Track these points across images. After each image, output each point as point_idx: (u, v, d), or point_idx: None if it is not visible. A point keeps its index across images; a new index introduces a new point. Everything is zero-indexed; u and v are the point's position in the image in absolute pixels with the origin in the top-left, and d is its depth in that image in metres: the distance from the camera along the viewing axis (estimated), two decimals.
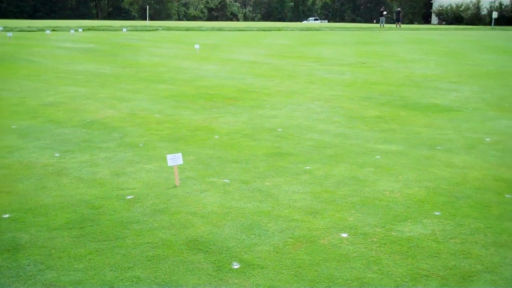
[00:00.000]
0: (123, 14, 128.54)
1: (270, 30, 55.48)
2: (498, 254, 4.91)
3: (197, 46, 26.31)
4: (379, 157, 8.05)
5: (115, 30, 46.43)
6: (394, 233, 5.32)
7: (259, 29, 56.65)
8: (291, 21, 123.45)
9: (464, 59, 25.61)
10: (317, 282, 4.34)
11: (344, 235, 5.26)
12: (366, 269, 4.58)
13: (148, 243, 5.03)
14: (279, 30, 56.54)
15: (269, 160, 7.79)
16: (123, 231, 5.29)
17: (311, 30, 58.56)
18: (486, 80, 17.73)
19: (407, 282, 4.38)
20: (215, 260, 4.69)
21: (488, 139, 9.31)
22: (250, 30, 54.85)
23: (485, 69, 21.00)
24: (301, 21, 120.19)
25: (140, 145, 8.57)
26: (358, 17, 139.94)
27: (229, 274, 4.45)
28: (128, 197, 6.22)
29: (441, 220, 5.66)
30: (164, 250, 4.89)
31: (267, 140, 8.94)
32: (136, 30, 48.17)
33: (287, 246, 4.99)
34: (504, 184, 6.88)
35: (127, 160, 7.72)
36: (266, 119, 10.66)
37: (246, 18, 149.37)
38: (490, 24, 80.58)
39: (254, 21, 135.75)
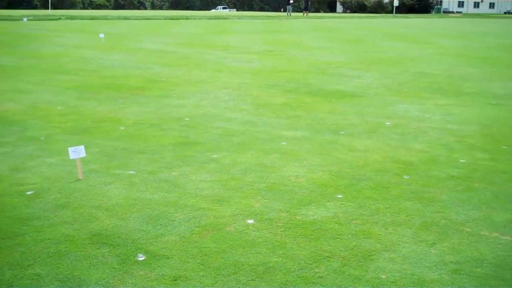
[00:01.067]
0: (24, 3, 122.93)
1: (178, 19, 54.93)
2: (396, 233, 5.14)
3: (102, 35, 25.64)
4: (285, 143, 8.19)
5: (15, 20, 44.35)
6: (299, 217, 5.44)
7: (166, 18, 55.96)
8: (200, 10, 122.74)
9: (367, 46, 26.47)
10: (223, 269, 4.37)
11: (250, 221, 5.32)
12: (271, 253, 4.66)
13: (49, 239, 4.87)
14: (187, 18, 56.10)
15: (176, 149, 7.74)
16: (23, 228, 5.10)
17: (219, 18, 58.50)
18: (387, 66, 18.42)
19: (310, 264, 4.50)
20: (119, 253, 4.61)
21: (388, 123, 9.70)
22: (158, 19, 54.07)
23: (386, 56, 21.80)
24: (210, 10, 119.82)
25: (42, 138, 8.26)
26: (266, 6, 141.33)
27: (134, 267, 4.40)
28: (28, 192, 5.99)
29: (343, 203, 5.85)
30: (67, 245, 4.75)
31: (174, 130, 8.87)
32: (38, 20, 46.27)
33: (194, 235, 4.99)
34: (403, 166, 7.20)
35: (28, 154, 7.43)
36: (173, 109, 10.57)
37: (153, 7, 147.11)
38: (392, 12, 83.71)
39: (162, 9, 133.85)
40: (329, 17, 66.70)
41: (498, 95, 13.29)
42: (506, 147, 8.29)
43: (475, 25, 53.26)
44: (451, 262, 4.58)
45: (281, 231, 5.10)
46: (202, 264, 4.45)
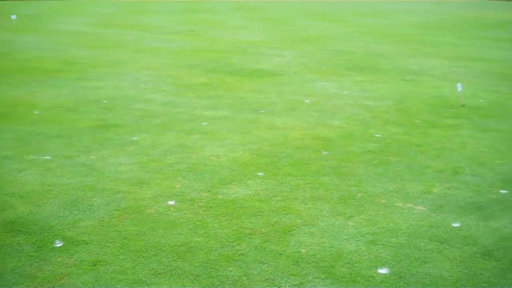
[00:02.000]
0: None
1: None
2: (316, 208, 5.26)
3: (14, 16, 24.52)
4: (206, 123, 8.17)
5: None
6: (220, 196, 5.46)
7: None
8: None
9: (287, 25, 26.67)
10: (144, 252, 4.34)
11: (171, 202, 5.29)
12: (192, 233, 4.66)
13: None
14: None
15: (94, 133, 7.56)
16: None
17: None
18: (306, 44, 18.65)
19: (232, 242, 4.53)
20: (35, 241, 4.48)
21: (307, 101, 9.85)
22: None
23: (306, 34, 22.06)
24: None
25: None
26: None
27: (51, 253, 4.28)
28: None
29: (264, 180, 5.92)
30: None
31: (92, 113, 8.65)
32: None
33: (113, 219, 4.91)
34: (321, 142, 7.35)
35: None
36: (91, 91, 10.29)
37: None
38: None
39: None
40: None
41: (412, 71, 13.76)
42: (418, 121, 8.62)
43: (392, 3, 54.73)
44: (367, 233, 4.74)
45: (203, 211, 5.11)
46: (122, 248, 4.40)
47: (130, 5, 42.06)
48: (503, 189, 5.83)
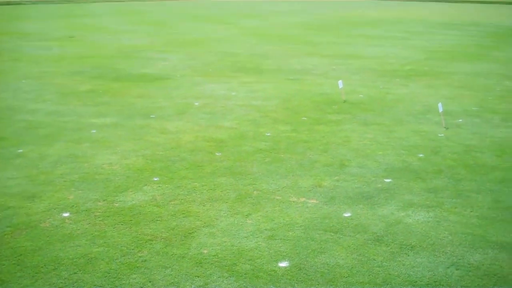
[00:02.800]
0: None
1: None
2: (214, 208, 5.34)
3: None
4: (95, 131, 8.00)
5: None
6: (117, 204, 5.39)
7: None
8: None
9: (171, 28, 26.57)
10: (42, 267, 4.21)
11: (66, 214, 5.16)
12: (91, 244, 4.58)
13: None
14: None
15: None
16: None
17: (12, 4, 54.51)
18: (191, 47, 18.70)
19: (133, 249, 4.51)
20: None
21: (197, 103, 9.92)
22: None
23: (190, 37, 22.11)
24: None
25: None
26: None
27: None
28: None
29: (160, 185, 5.92)
30: None
31: None
32: None
33: (6, 236, 4.71)
34: (214, 144, 7.45)
35: None
36: None
37: None
38: None
39: None
40: (130, 0, 65.56)
41: (295, 70, 14.23)
42: (305, 118, 8.96)
43: (272, 4, 56.02)
44: (266, 229, 4.89)
45: (100, 221, 5.03)
46: (18, 265, 4.24)
47: (3, 11, 40.01)
48: (387, 178, 6.22)
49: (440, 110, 8.55)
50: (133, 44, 19.57)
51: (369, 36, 24.55)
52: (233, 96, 10.65)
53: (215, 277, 4.09)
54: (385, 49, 19.58)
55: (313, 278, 4.09)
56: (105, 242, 4.62)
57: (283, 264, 4.30)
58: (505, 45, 21.76)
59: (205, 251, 4.48)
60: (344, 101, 10.34)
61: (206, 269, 4.21)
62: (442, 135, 8.09)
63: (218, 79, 12.54)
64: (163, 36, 22.69)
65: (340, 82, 10.53)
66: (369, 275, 4.14)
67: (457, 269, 4.23)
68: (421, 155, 7.10)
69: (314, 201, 5.55)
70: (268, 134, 7.95)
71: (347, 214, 5.23)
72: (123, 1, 61.87)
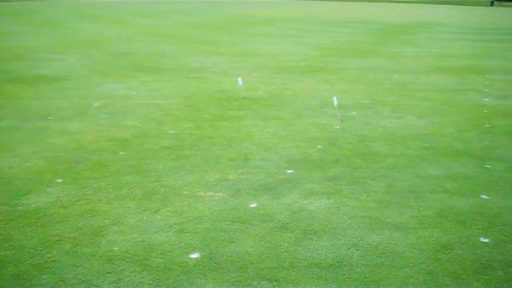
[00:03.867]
0: None
1: None
2: (122, 206, 5.35)
3: None
4: None
5: None
6: (20, 207, 5.27)
7: None
8: None
9: (63, 28, 25.77)
10: None
11: None
12: None
13: None
14: None
15: None
16: None
17: None
18: (86, 48, 18.28)
19: (41, 250, 4.45)
20: None
21: (96, 104, 9.78)
22: None
23: (84, 37, 21.58)
24: None
25: None
26: None
27: None
28: None
29: (64, 186, 5.83)
30: None
31: None
32: None
33: None
34: (117, 143, 7.41)
35: None
36: None
37: None
38: None
39: None
40: (18, 0, 62.76)
41: (194, 69, 14.32)
42: (207, 115, 9.10)
43: (168, 4, 55.60)
44: (175, 223, 4.98)
45: (4, 224, 4.91)
46: None
47: None
48: (289, 169, 6.48)
49: (335, 103, 8.97)
50: (25, 45, 18.83)
51: (265, 34, 25.07)
52: (134, 96, 10.58)
53: (127, 272, 4.14)
54: (281, 47, 20.10)
55: (224, 267, 4.24)
56: (11, 245, 4.52)
57: (194, 255, 4.41)
58: (392, 41, 22.98)
59: (116, 248, 4.51)
60: (244, 98, 10.58)
61: (117, 265, 4.24)
62: (338, 127, 8.51)
63: (116, 79, 12.39)
64: (55, 36, 21.99)
65: (239, 79, 10.75)
66: (277, 260, 4.34)
67: (357, 250, 4.53)
68: (319, 146, 7.45)
69: (221, 194, 5.70)
70: (172, 132, 8.01)
71: (253, 205, 5.43)
72: (11, 1, 59.06)
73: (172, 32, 24.47)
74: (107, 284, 3.99)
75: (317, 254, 4.45)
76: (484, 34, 27.25)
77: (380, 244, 4.63)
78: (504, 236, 4.80)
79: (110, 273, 4.13)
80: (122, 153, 7.01)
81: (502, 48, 20.32)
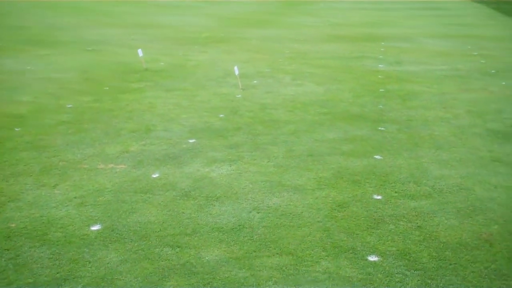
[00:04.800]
0: None
1: None
2: (18, 183, 5.19)
3: None
4: None
5: None
6: None
7: None
8: None
9: None
10: None
11: None
12: None
13: None
14: None
15: None
16: None
17: None
18: None
19: None
20: None
21: None
22: None
23: None
24: None
25: None
26: None
27: None
28: None
29: None
30: None
31: None
32: None
33: None
34: (13, 119, 7.13)
35: None
36: None
37: None
38: None
39: None
40: None
41: (94, 41, 13.92)
42: (107, 88, 8.91)
43: None
44: (75, 197, 4.90)
45: None
46: None
47: None
48: (191, 139, 6.51)
49: (236, 73, 9.05)
50: None
51: (166, 6, 24.69)
52: (29, 70, 10.17)
53: (26, 248, 4.05)
54: (182, 18, 19.90)
55: (126, 237, 4.23)
56: None
57: (95, 227, 4.38)
58: (292, 12, 23.32)
59: (13, 225, 4.39)
60: (146, 69, 10.44)
61: (15, 241, 4.14)
62: (240, 96, 8.60)
63: (11, 54, 11.84)
64: None
65: (139, 50, 10.58)
66: (179, 227, 4.39)
67: (258, 212, 4.66)
68: (221, 115, 7.51)
69: (123, 166, 5.65)
70: (70, 106, 7.80)
71: (155, 175, 5.43)
72: None
73: (70, 5, 23.56)
74: (5, 261, 3.89)
75: (219, 219, 4.54)
76: (381, 3, 28.21)
77: (280, 206, 4.79)
78: (395, 192, 5.09)
79: (8, 249, 4.03)
80: (17, 129, 6.75)
81: (397, 17, 21.13)
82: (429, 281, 3.68)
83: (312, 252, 4.05)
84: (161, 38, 14.71)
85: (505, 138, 6.63)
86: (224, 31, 16.65)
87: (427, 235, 4.29)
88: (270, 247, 4.12)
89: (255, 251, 4.06)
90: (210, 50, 12.99)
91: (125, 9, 22.53)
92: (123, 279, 3.69)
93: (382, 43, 14.46)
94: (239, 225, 4.44)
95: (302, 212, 4.68)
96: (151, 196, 4.97)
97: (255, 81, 9.65)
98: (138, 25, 17.51)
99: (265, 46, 13.81)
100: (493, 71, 10.69)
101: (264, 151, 6.14)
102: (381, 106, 8.07)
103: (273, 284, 3.65)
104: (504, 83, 9.64)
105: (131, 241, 4.17)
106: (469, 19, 20.37)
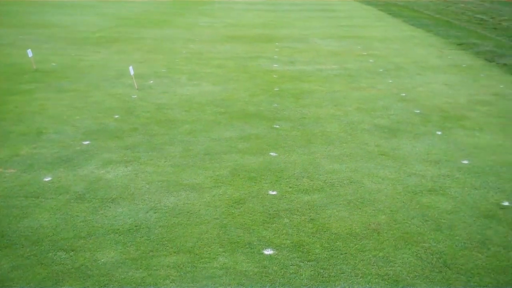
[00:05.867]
0: None
1: None
2: None
3: None
4: None
5: None
6: None
7: None
8: None
9: None
10: None
11: None
12: None
13: None
14: None
15: None
16: None
17: None
18: None
19: None
20: None
21: None
22: None
23: None
24: None
25: None
26: None
27: None
28: None
29: None
30: None
31: None
32: None
33: None
34: None
35: None
36: None
37: None
38: None
39: None
40: None
41: None
42: None
43: None
44: None
45: None
46: None
47: None
48: (85, 141, 6.37)
49: (132, 73, 8.94)
50: None
51: (60, 5, 23.86)
52: None
53: None
54: (76, 18, 19.32)
55: (17, 242, 4.09)
56: None
57: None
58: (188, 12, 23.27)
59: None
60: (36, 70, 10.06)
61: None
62: (135, 96, 8.50)
63: None
64: None
65: (29, 51, 10.18)
66: (73, 231, 4.30)
67: (155, 212, 4.65)
68: (117, 116, 7.40)
69: (12, 171, 5.44)
70: None
71: (47, 179, 5.27)
72: None
73: None
74: None
75: (115, 221, 4.48)
76: (277, 5, 28.73)
77: (177, 205, 4.80)
78: (290, 187, 5.25)
79: None
80: None
81: (292, 18, 21.62)
82: (322, 271, 3.84)
83: (209, 249, 4.10)
84: (53, 38, 14.22)
85: (391, 133, 7.01)
86: (119, 30, 16.36)
87: (320, 227, 4.47)
88: (167, 246, 4.12)
89: (152, 251, 4.05)
90: (104, 50, 12.72)
91: (18, 8, 21.54)
92: (15, 286, 3.57)
93: (277, 43, 14.77)
94: (135, 226, 4.42)
95: (199, 210, 4.72)
96: (43, 200, 4.82)
97: (151, 81, 9.57)
98: (30, 24, 16.82)
99: (161, 46, 13.71)
100: (380, 70, 11.23)
101: (160, 151, 6.13)
102: (275, 105, 8.26)
103: (170, 282, 3.66)
104: (390, 81, 10.15)
105: (23, 247, 4.03)
106: (360, 21, 21.22)
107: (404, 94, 9.07)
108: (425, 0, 32.45)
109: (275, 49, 13.80)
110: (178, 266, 3.85)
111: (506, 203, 5.01)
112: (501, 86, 9.95)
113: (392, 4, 30.51)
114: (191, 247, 4.11)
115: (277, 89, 9.33)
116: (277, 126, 7.18)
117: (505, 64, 12.19)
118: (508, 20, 23.15)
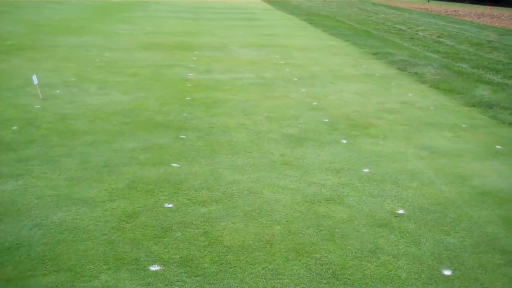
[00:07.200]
0: None
1: None
2: None
3: None
4: None
5: None
6: None
7: None
8: None
9: None
10: None
11: None
12: None
13: None
14: None
15: None
16: None
17: None
18: None
19: None
20: None
21: None
22: None
23: None
24: None
25: None
26: None
27: None
28: None
29: None
30: None
31: None
32: None
33: None
34: None
35: None
36: None
37: None
38: None
39: None
40: None
41: None
42: None
43: None
44: None
45: None
46: None
47: None
48: None
49: (35, 82, 8.58)
50: None
51: None
52: None
53: None
54: None
55: None
56: None
57: None
58: (107, 19, 22.76)
59: None
60: None
61: None
62: (39, 106, 8.16)
63: None
64: None
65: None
66: None
67: (39, 229, 4.41)
68: (14, 127, 7.06)
69: None
70: None
71: None
72: None
73: None
74: None
75: None
76: (198, 13, 28.58)
77: (65, 221, 4.58)
78: (187, 199, 5.12)
79: None
80: None
81: (212, 27, 21.53)
82: (207, 286, 3.74)
83: (93, 266, 3.91)
84: None
85: (297, 142, 7.01)
86: (33, 38, 15.78)
87: (212, 240, 4.36)
88: (47, 264, 3.91)
89: (30, 270, 3.83)
90: (13, 59, 12.21)
91: None
92: None
93: (196, 52, 14.63)
94: (16, 244, 4.17)
95: (88, 226, 4.52)
96: None
97: (58, 91, 9.22)
98: None
99: (75, 54, 13.30)
100: (295, 78, 11.30)
101: (56, 164, 5.86)
102: (185, 114, 8.12)
103: None
104: (304, 90, 10.22)
105: None
106: (281, 30, 21.39)
107: (315, 103, 9.14)
108: (347, 11, 33.17)
109: (193, 57, 13.66)
110: (56, 286, 3.65)
111: (401, 211, 5.07)
112: (410, 95, 10.21)
113: (315, 14, 31.02)
114: (73, 265, 3.91)
115: (189, 98, 9.19)
116: (183, 136, 7.04)
117: (416, 73, 12.56)
118: (424, 30, 23.99)
